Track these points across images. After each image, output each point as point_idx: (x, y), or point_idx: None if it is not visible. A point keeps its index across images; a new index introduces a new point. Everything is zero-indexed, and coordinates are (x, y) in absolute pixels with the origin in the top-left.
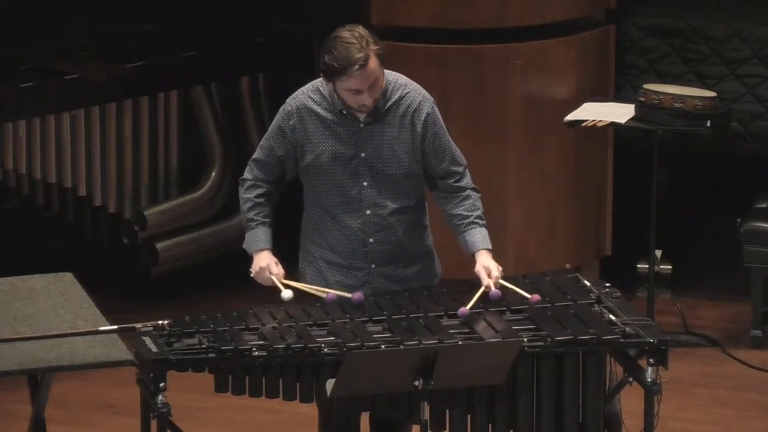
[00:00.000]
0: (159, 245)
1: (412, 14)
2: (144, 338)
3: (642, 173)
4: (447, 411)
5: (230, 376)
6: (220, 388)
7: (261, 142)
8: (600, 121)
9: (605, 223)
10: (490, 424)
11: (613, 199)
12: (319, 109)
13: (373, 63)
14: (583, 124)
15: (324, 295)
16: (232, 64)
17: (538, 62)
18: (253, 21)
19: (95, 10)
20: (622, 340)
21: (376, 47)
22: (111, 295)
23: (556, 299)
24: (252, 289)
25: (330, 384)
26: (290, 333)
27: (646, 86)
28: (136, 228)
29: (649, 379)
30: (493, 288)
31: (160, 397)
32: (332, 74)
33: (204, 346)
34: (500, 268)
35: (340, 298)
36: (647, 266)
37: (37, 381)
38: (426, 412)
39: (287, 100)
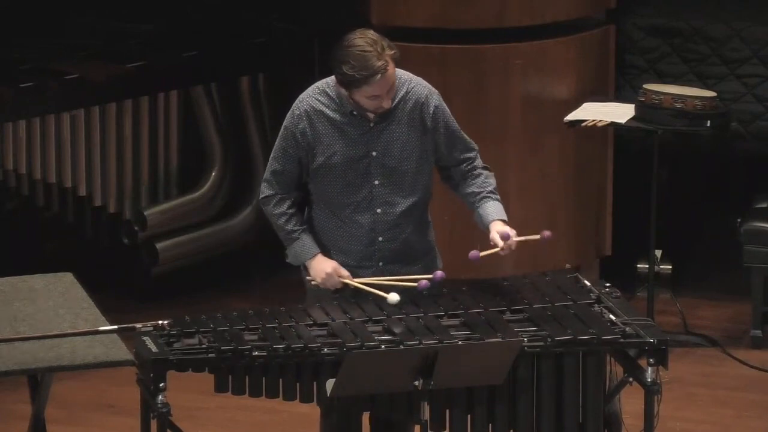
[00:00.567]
0: (159, 245)
1: (412, 14)
2: (144, 338)
3: (642, 173)
4: (447, 411)
5: (230, 376)
6: (220, 388)
7: (274, 154)
8: (600, 121)
9: (605, 223)
10: (490, 424)
11: (613, 199)
12: (328, 111)
13: (392, 68)
14: (583, 124)
15: (397, 284)
16: (232, 64)
17: (538, 62)
18: (253, 21)
19: (95, 10)
20: (622, 340)
21: (392, 52)
22: (111, 295)
23: (556, 299)
24: (252, 289)
25: (330, 384)
26: (290, 333)
27: (646, 86)
28: (136, 228)
29: (649, 379)
30: (507, 245)
31: (160, 397)
32: (353, 84)
33: (204, 346)
34: (514, 231)
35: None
36: (647, 266)
37: (37, 381)
38: (426, 412)
39: (294, 105)
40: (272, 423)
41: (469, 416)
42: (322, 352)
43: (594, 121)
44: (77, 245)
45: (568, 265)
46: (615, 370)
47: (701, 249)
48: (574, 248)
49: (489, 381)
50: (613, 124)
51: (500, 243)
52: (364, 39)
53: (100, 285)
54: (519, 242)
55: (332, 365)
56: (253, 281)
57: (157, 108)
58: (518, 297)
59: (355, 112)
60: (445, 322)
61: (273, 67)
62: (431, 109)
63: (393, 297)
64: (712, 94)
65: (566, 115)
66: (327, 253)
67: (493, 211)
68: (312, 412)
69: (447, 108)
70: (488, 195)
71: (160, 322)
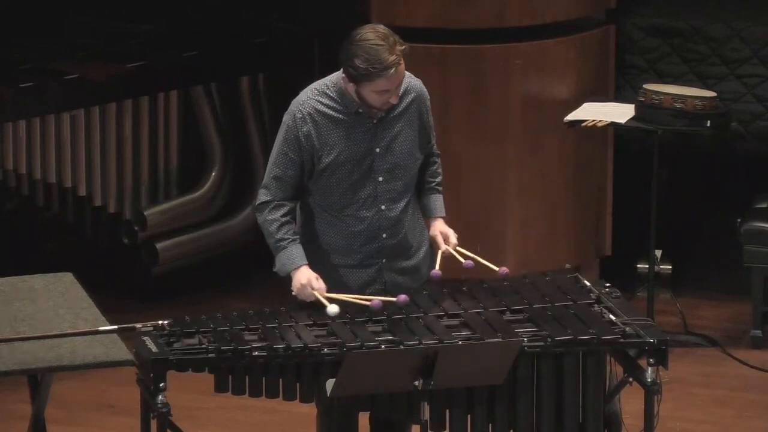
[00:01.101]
0: (159, 245)
1: (412, 14)
2: (144, 338)
3: (642, 173)
4: (447, 411)
5: (230, 376)
6: (220, 388)
7: (274, 159)
8: (600, 121)
9: (605, 223)
10: (490, 424)
11: (613, 199)
12: (331, 112)
13: (402, 63)
14: (583, 124)
15: (368, 303)
16: (232, 64)
17: (538, 62)
18: (253, 21)
19: (95, 10)
20: (622, 340)
21: (402, 47)
22: (111, 295)
23: (556, 299)
24: (252, 289)
25: (330, 384)
26: (290, 333)
27: (646, 86)
28: (136, 228)
29: (649, 379)
30: (455, 254)
31: (160, 397)
32: (364, 78)
33: (204, 346)
34: (456, 234)
35: (385, 303)
36: (647, 266)
37: (37, 381)
38: (426, 412)
39: (295, 108)
40: (272, 423)
41: (469, 416)
42: (322, 352)
43: (594, 121)
44: (77, 245)
45: (568, 265)
46: (615, 370)
47: (701, 249)
48: (574, 248)
49: (489, 381)
50: (613, 124)
51: (442, 245)
52: (375, 33)
53: (100, 285)
54: (473, 259)
55: (332, 365)
56: (253, 281)
57: (157, 108)
58: (518, 297)
59: (360, 110)
60: (445, 322)
61: (273, 67)
62: (426, 102)
63: (332, 309)
64: (712, 94)
65: (566, 115)
66: (328, 257)
67: (439, 206)
68: (312, 412)
69: None
70: (436, 187)
71: (160, 322)
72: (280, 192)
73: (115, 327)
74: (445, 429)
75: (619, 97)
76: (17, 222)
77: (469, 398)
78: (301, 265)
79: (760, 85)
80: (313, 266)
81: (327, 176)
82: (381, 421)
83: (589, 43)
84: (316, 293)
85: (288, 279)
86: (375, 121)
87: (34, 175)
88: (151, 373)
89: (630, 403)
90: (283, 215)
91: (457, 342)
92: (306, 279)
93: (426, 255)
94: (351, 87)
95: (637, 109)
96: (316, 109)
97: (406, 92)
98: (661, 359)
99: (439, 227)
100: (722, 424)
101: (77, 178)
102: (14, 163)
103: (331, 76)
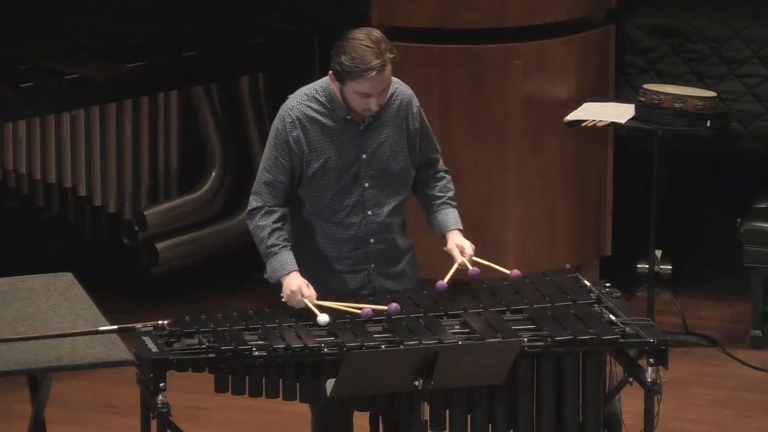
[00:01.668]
0: (159, 245)
1: (412, 14)
2: (144, 338)
3: (642, 173)
4: (447, 411)
5: (230, 376)
6: (220, 388)
7: (264, 164)
8: (600, 121)
9: (605, 223)
10: (490, 424)
11: (613, 199)
12: (320, 117)
13: (389, 70)
14: (583, 124)
15: (359, 311)
16: (232, 64)
17: (538, 62)
18: (253, 21)
19: (95, 10)
20: (622, 340)
21: (392, 55)
22: (111, 295)
23: (556, 299)
24: (252, 289)
25: (330, 384)
26: (290, 333)
27: (646, 86)
28: (136, 228)
29: (649, 379)
30: (470, 266)
31: (160, 397)
32: (347, 76)
33: (204, 346)
34: (473, 246)
35: (376, 311)
36: (647, 266)
37: (37, 381)
38: (426, 412)
39: (284, 112)
40: (272, 423)
41: (469, 416)
42: (322, 352)
43: (594, 121)
44: (77, 245)
45: (568, 265)
46: (615, 370)
47: (701, 249)
48: (574, 248)
49: (489, 381)
50: (613, 124)
51: (458, 257)
52: (368, 35)
53: (100, 285)
54: (483, 265)
55: (332, 365)
56: (253, 281)
57: (157, 108)
58: (518, 297)
59: (348, 117)
60: (445, 322)
61: (273, 67)
62: (414, 109)
63: (323, 318)
64: (712, 94)
65: (566, 115)
66: (317, 263)
67: (453, 219)
68: (311, 412)
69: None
70: (448, 201)
71: (160, 322)
72: (271, 198)
73: (115, 327)
74: (445, 429)
75: (619, 97)
76: (17, 222)
77: (469, 398)
78: (291, 272)
79: (760, 85)
80: (303, 272)
81: (316, 182)
82: (389, 421)
83: (589, 43)
84: (305, 300)
85: (279, 285)
86: (362, 128)
87: (34, 175)
88: (151, 373)
89: (630, 403)
90: (275, 221)
91: (457, 342)
92: (296, 286)
93: (412, 261)
94: (336, 86)
95: (637, 109)
96: (305, 114)
97: (392, 98)
98: (661, 359)
99: (456, 240)
100: (722, 424)
101: (77, 178)
102: (14, 163)
103: (321, 80)
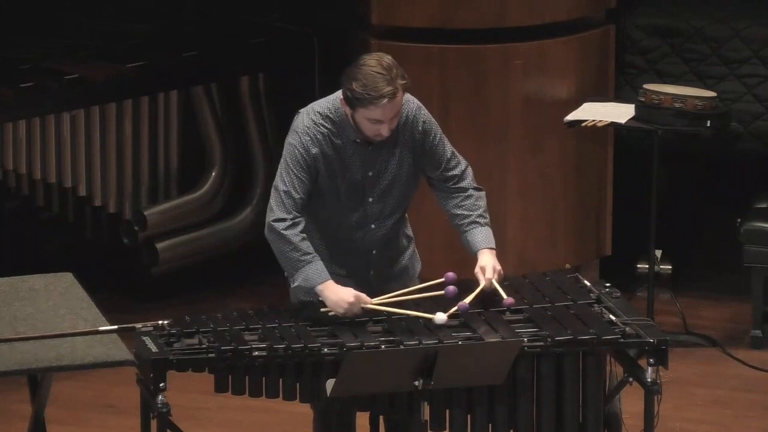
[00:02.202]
0: (159, 245)
1: (412, 14)
2: (144, 338)
3: (642, 173)
4: (447, 411)
5: (230, 376)
6: (220, 388)
7: (285, 178)
8: (600, 121)
9: (605, 223)
10: (490, 424)
11: (613, 199)
12: (334, 139)
13: (400, 97)
14: (583, 124)
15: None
16: (232, 64)
17: (538, 62)
18: (253, 21)
19: (95, 10)
20: (622, 340)
21: (403, 81)
22: (111, 295)
23: (556, 299)
24: (252, 289)
25: (330, 384)
26: (290, 333)
27: (646, 86)
28: (136, 228)
29: (649, 379)
30: (504, 296)
31: (160, 397)
32: (358, 103)
33: (204, 346)
34: (498, 268)
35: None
36: (647, 266)
37: (37, 381)
38: (426, 412)
39: (300, 130)
40: (272, 423)
41: (469, 416)
42: (322, 352)
43: (594, 121)
44: (77, 245)
45: (568, 265)
46: (615, 370)
47: (701, 249)
48: (574, 248)
49: (489, 381)
50: (613, 124)
51: (482, 281)
52: (379, 62)
53: (100, 285)
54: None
55: (332, 365)
56: (253, 281)
57: (157, 108)
58: (518, 297)
59: (358, 140)
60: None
61: (273, 67)
62: (420, 125)
63: (440, 317)
64: (712, 94)
65: (566, 115)
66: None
67: (481, 239)
68: (312, 412)
69: (435, 123)
70: (476, 220)
71: (160, 322)
72: (293, 209)
73: (115, 327)
74: (445, 429)
75: (619, 97)
76: (17, 222)
77: (469, 398)
78: (327, 279)
79: (760, 85)
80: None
81: (323, 198)
82: (389, 421)
83: (589, 43)
84: (368, 305)
85: (281, 287)
86: (370, 147)
87: (34, 175)
88: (151, 373)
89: (630, 403)
90: (301, 231)
91: (457, 342)
92: (353, 297)
93: (412, 253)
94: (348, 111)
95: (637, 109)
96: (321, 134)
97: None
98: (661, 359)
99: (481, 262)
100: (722, 424)
101: (77, 178)
102: (14, 163)
103: (333, 97)
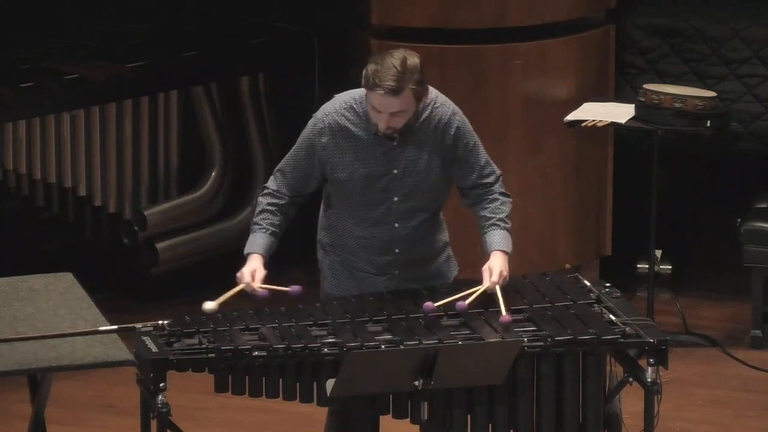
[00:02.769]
0: (159, 245)
1: (412, 14)
2: (144, 338)
3: (642, 173)
4: (447, 411)
5: (230, 376)
6: (220, 388)
7: (289, 153)
8: (600, 121)
9: (605, 223)
10: (490, 424)
11: (613, 199)
12: (353, 128)
13: (404, 98)
14: (583, 124)
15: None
16: (232, 64)
17: (538, 62)
18: (253, 21)
19: (95, 10)
20: (622, 340)
21: (414, 87)
22: (111, 295)
23: (556, 299)
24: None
25: (330, 384)
26: (290, 333)
27: (646, 86)
28: (136, 228)
29: (649, 379)
30: (503, 312)
31: (160, 397)
32: (364, 83)
33: (204, 346)
34: (505, 274)
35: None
36: (647, 266)
37: (37, 381)
38: (426, 412)
39: (320, 115)
40: (272, 423)
41: (469, 416)
42: (322, 352)
43: (594, 121)
44: (77, 245)
45: (568, 265)
46: (615, 370)
47: (701, 249)
48: (574, 248)
49: (489, 381)
50: (613, 124)
51: (486, 281)
52: (402, 59)
53: (100, 285)
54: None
55: (332, 365)
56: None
57: (157, 108)
58: (518, 297)
59: (376, 133)
60: (445, 322)
61: (273, 67)
62: (453, 129)
63: (208, 305)
64: (712, 94)
65: (566, 115)
66: (350, 260)
67: (497, 240)
68: (312, 412)
69: (471, 130)
70: (497, 222)
71: (160, 322)
72: (281, 186)
73: (115, 327)
74: (445, 429)
75: (619, 97)
76: (17, 222)
77: (469, 398)
78: (253, 253)
79: (760, 85)
80: (341, 269)
81: (341, 189)
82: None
83: (589, 43)
84: (243, 286)
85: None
86: (395, 144)
87: (34, 175)
88: (151, 373)
89: (630, 403)
90: (270, 204)
91: (457, 342)
92: (249, 269)
93: (446, 263)
94: (364, 92)
95: (637, 109)
96: (338, 123)
97: (429, 117)
98: (661, 359)
99: (490, 262)
100: (722, 424)
101: (77, 178)
102: (14, 163)
103: (362, 89)
